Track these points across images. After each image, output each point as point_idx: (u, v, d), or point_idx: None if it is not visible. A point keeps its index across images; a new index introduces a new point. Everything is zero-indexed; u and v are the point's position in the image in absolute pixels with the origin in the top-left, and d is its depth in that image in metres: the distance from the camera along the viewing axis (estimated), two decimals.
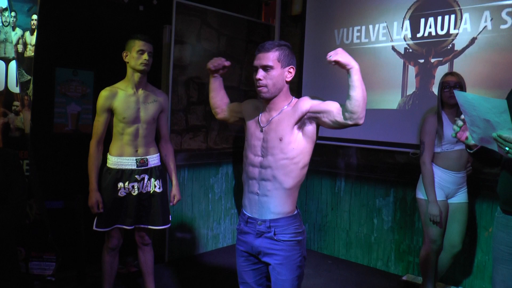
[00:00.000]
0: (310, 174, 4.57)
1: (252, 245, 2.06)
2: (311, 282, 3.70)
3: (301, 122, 1.96)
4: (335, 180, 4.43)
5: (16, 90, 2.70)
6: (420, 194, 3.18)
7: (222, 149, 4.46)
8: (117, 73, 3.90)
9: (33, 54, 2.63)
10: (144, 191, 2.89)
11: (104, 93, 2.79)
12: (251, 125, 2.10)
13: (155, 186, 2.92)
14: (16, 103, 2.73)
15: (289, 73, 1.99)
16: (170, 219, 3.06)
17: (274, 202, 2.00)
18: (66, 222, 3.47)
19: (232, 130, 4.55)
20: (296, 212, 2.06)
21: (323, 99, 1.96)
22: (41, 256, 2.94)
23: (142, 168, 2.87)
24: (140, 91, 2.88)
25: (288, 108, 1.99)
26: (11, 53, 2.70)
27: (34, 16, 2.62)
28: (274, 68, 1.94)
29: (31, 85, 2.65)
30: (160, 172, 2.97)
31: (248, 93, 4.60)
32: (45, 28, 3.03)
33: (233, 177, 4.59)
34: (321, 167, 4.52)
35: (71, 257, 3.44)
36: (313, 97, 1.98)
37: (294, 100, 2.03)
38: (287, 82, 2.00)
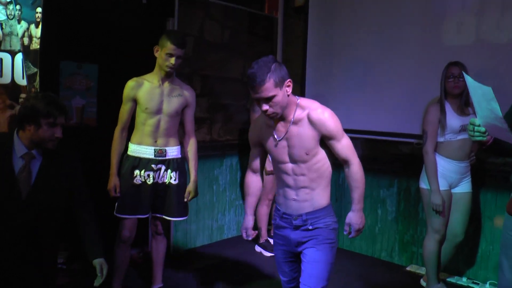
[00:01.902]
0: None
1: (289, 238, 2.20)
2: None
3: (320, 137, 2.10)
4: (339, 171, 4.43)
5: (23, 82, 2.74)
6: (423, 184, 3.19)
7: (226, 141, 4.49)
8: (121, 66, 3.92)
9: (38, 46, 2.65)
10: (160, 181, 2.94)
11: (130, 83, 2.88)
12: (270, 141, 2.18)
13: (171, 178, 2.96)
14: (22, 95, 2.77)
15: (288, 88, 2.03)
16: (188, 211, 3.10)
17: (311, 201, 2.15)
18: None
19: (236, 122, 4.57)
20: (329, 203, 2.22)
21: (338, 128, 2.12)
22: None
23: (160, 158, 2.92)
24: (166, 84, 2.93)
25: (301, 114, 2.08)
26: (16, 46, 2.73)
27: (39, 9, 2.65)
28: (276, 95, 1.98)
29: (38, 78, 2.68)
30: (178, 165, 3.00)
31: None
32: (49, 21, 3.05)
33: (237, 168, 4.62)
34: None
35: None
36: (330, 118, 2.09)
37: (300, 101, 2.11)
38: (289, 95, 2.05)
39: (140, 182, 2.89)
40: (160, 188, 2.95)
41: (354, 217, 2.19)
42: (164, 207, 2.98)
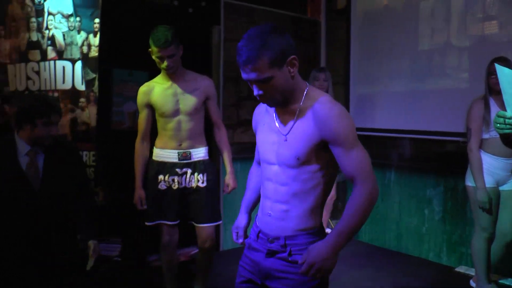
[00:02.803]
0: None
1: (260, 266, 1.67)
2: (361, 272, 3.75)
3: (322, 141, 1.54)
4: (384, 171, 4.45)
5: (82, 88, 2.94)
6: (469, 182, 3.18)
7: None
8: None
9: (96, 54, 2.85)
10: (188, 186, 2.78)
11: (141, 89, 2.77)
12: (261, 131, 1.71)
13: (198, 181, 2.78)
14: (82, 99, 2.97)
15: (292, 67, 1.53)
16: (221, 215, 2.91)
17: (289, 221, 1.61)
18: (128, 212, 3.68)
19: None
20: (318, 228, 1.64)
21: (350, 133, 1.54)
22: (108, 239, 3.14)
23: (185, 161, 2.76)
24: (178, 82, 2.74)
25: (306, 105, 1.56)
26: (76, 55, 2.94)
27: (97, 20, 2.85)
28: (273, 77, 1.49)
29: (96, 82, 2.88)
30: (205, 166, 2.80)
31: None
32: (104, 31, 3.25)
33: None
34: (371, 158, 4.54)
35: (132, 245, 3.65)
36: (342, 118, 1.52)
37: (309, 89, 1.60)
38: (293, 77, 1.55)
39: (165, 187, 2.75)
40: (187, 192, 2.79)
41: (319, 252, 1.51)
42: (193, 213, 2.80)
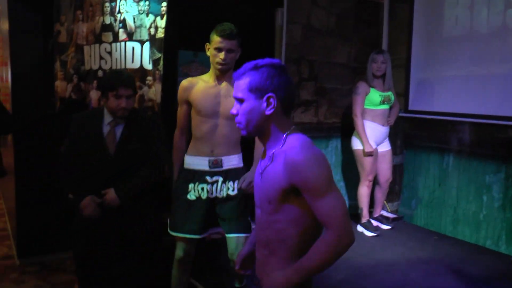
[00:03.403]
0: (417, 149, 4.60)
1: None
2: (416, 255, 3.77)
3: (292, 187, 1.48)
4: (443, 155, 4.40)
5: (149, 67, 3.16)
6: None
7: (332, 124, 4.67)
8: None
9: (162, 35, 3.06)
10: (220, 195, 2.63)
11: (183, 84, 2.66)
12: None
13: (228, 189, 2.63)
14: (149, 78, 3.19)
15: (268, 105, 1.52)
16: (250, 227, 2.68)
17: (268, 269, 1.60)
18: None
19: (341, 105, 4.72)
20: None
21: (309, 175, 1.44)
22: None
23: (216, 169, 2.61)
24: (224, 84, 2.60)
25: (280, 149, 1.52)
26: (145, 36, 3.16)
27: (164, 3, 3.05)
28: (243, 100, 1.54)
29: (161, 61, 3.09)
30: (237, 173, 2.65)
31: (357, 70, 4.74)
32: (171, 13, 3.44)
33: (341, 150, 4.78)
34: (429, 142, 4.52)
35: None
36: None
37: (292, 135, 1.55)
38: (269, 117, 1.53)
39: (194, 198, 2.62)
40: (218, 202, 2.65)
41: (273, 282, 1.53)
42: (222, 222, 2.67)
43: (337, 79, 4.66)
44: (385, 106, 4.14)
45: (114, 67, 3.37)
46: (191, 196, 2.61)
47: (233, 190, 2.63)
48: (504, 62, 3.86)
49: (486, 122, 4.01)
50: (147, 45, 3.17)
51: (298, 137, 1.53)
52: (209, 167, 2.59)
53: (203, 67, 4.31)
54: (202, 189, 2.59)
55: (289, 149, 1.48)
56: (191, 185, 2.61)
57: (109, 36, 3.38)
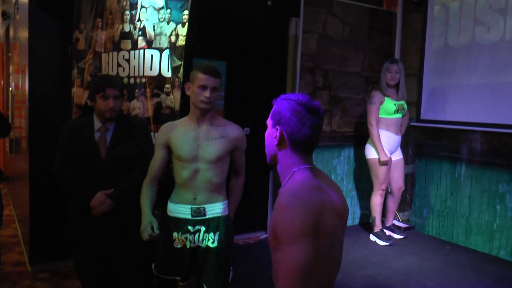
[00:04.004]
0: (429, 158, 4.62)
1: None
2: (428, 264, 3.78)
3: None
4: (455, 164, 4.42)
5: (168, 74, 3.16)
6: None
7: (345, 133, 4.69)
8: (248, 63, 4.30)
9: (183, 43, 3.08)
10: (201, 245, 2.49)
11: (163, 127, 2.57)
12: None
13: (208, 240, 2.48)
14: (167, 85, 3.20)
15: (277, 136, 1.55)
16: (230, 278, 2.55)
17: None
18: None
19: (353, 115, 4.74)
20: None
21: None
22: None
23: (198, 218, 2.47)
24: (204, 126, 2.48)
25: (280, 193, 1.53)
26: (164, 44, 3.18)
27: (186, 12, 3.07)
28: (267, 126, 1.61)
29: (182, 69, 3.10)
30: (219, 223, 2.51)
31: (370, 79, 4.77)
32: (192, 22, 3.48)
33: (354, 159, 4.79)
34: (440, 151, 4.54)
35: None
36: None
37: (296, 174, 1.54)
38: (280, 147, 1.57)
39: (180, 246, 2.49)
40: (199, 252, 2.50)
41: None
42: (202, 275, 2.52)
43: (350, 88, 4.69)
44: (399, 115, 4.17)
45: (132, 75, 3.39)
46: (177, 244, 2.49)
47: (213, 242, 2.48)
48: None
49: (498, 131, 4.03)
50: (166, 53, 3.19)
51: (299, 178, 1.50)
52: (192, 215, 2.46)
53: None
54: (186, 238, 2.47)
55: (284, 191, 1.47)
56: (175, 234, 2.49)
57: (128, 44, 3.40)
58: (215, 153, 2.43)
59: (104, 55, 3.57)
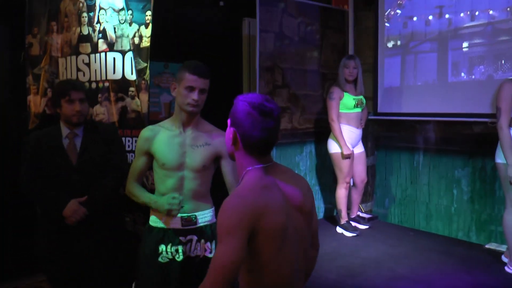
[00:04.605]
0: (389, 149, 4.78)
1: None
2: (396, 250, 3.89)
3: None
4: (413, 154, 4.60)
5: (132, 77, 3.09)
6: (499, 159, 3.31)
7: (306, 129, 4.76)
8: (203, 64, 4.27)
9: (148, 44, 3.02)
10: (193, 255, 2.32)
11: (143, 133, 2.34)
12: None
13: (205, 250, 2.33)
14: (131, 88, 3.12)
15: (232, 138, 1.59)
16: None
17: None
18: None
19: (313, 112, 4.82)
20: None
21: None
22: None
23: (189, 228, 2.31)
24: (190, 131, 2.31)
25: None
26: (126, 46, 3.10)
27: (148, 12, 3.01)
28: (227, 125, 1.63)
29: (148, 71, 3.04)
30: (213, 232, 2.35)
31: (326, 76, 4.87)
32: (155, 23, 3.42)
33: (316, 155, 4.87)
34: (399, 142, 4.71)
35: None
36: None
37: (247, 176, 1.58)
38: (233, 145, 1.60)
39: (167, 260, 2.28)
40: (193, 263, 2.32)
41: None
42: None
43: (308, 86, 4.76)
44: (358, 109, 4.28)
45: (93, 79, 3.30)
46: (163, 258, 2.28)
47: (210, 252, 2.33)
48: (467, 62, 4.10)
49: (451, 120, 4.24)
50: (129, 55, 3.12)
51: (249, 178, 1.55)
52: (182, 225, 2.29)
53: (174, 78, 4.29)
54: (177, 250, 2.27)
55: (233, 192, 1.53)
56: (162, 247, 2.28)
57: (87, 47, 3.31)
58: (201, 161, 2.28)
59: (61, 60, 3.45)
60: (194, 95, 2.20)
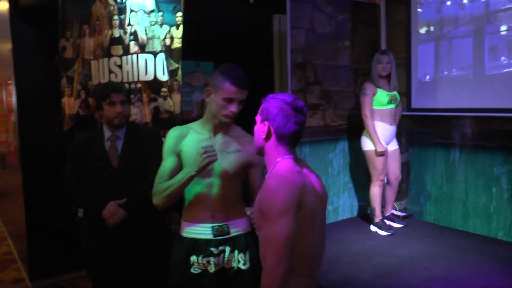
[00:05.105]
0: (423, 146, 4.67)
1: None
2: (432, 250, 3.80)
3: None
4: (449, 150, 4.47)
5: (164, 78, 3.11)
6: None
7: (339, 126, 4.70)
8: (234, 63, 4.26)
9: (179, 45, 3.03)
10: (227, 267, 2.18)
11: (172, 132, 2.21)
12: None
13: (239, 262, 2.18)
14: (164, 89, 3.14)
15: (265, 130, 1.73)
16: None
17: None
18: None
19: (346, 109, 4.76)
20: None
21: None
22: None
23: (221, 238, 2.16)
24: (220, 136, 2.19)
25: (266, 178, 1.71)
26: (158, 47, 3.11)
27: (179, 13, 3.02)
28: (256, 122, 1.80)
29: (179, 72, 3.05)
30: (247, 242, 2.20)
31: (358, 71, 4.79)
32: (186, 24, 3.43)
33: (349, 152, 4.81)
34: (433, 138, 4.59)
35: None
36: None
37: (280, 163, 1.71)
38: (266, 139, 1.75)
39: (200, 271, 2.15)
40: (227, 275, 2.18)
41: None
42: None
43: (340, 82, 4.70)
44: (392, 106, 4.19)
45: (125, 80, 3.33)
46: (195, 269, 2.15)
47: (244, 264, 2.17)
48: (509, 58, 3.95)
49: (489, 115, 4.09)
50: (160, 56, 3.13)
51: (283, 164, 1.68)
52: (213, 235, 2.15)
53: (206, 77, 4.31)
54: (209, 262, 2.14)
55: (269, 175, 1.67)
56: (193, 258, 2.15)
57: (119, 49, 3.33)
58: (232, 167, 2.14)
59: (93, 62, 3.50)
60: (233, 107, 2.08)
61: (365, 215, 4.86)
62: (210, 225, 2.14)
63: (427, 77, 4.57)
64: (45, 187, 3.84)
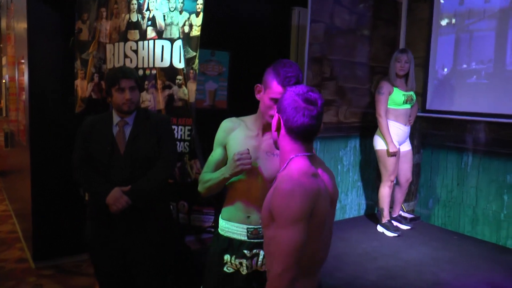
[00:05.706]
0: (435, 148, 4.61)
1: None
2: (439, 254, 3.77)
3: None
4: (461, 155, 4.41)
5: (180, 65, 3.06)
6: None
7: (351, 123, 4.65)
8: (250, 53, 4.21)
9: (198, 33, 2.98)
10: (262, 270, 2.11)
11: (224, 124, 2.16)
12: None
13: None
14: (179, 77, 3.09)
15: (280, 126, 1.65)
16: None
17: None
18: None
19: (360, 106, 4.70)
20: None
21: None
22: (201, 210, 3.28)
23: (255, 241, 2.08)
24: (267, 137, 2.08)
25: (278, 176, 1.66)
26: (176, 34, 3.06)
27: (200, 1, 2.96)
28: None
29: (197, 60, 3.00)
30: None
31: (376, 69, 4.73)
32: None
33: (360, 150, 4.76)
34: (446, 141, 4.52)
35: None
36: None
37: (294, 161, 1.62)
38: (279, 136, 1.68)
39: (233, 271, 2.12)
40: (260, 279, 2.10)
41: None
42: None
43: (356, 79, 4.64)
44: (408, 106, 4.13)
45: (140, 66, 3.28)
46: (228, 268, 2.12)
47: None
48: None
49: (506, 121, 4.02)
50: (177, 44, 3.08)
51: (298, 165, 1.58)
52: (248, 237, 2.09)
53: (220, 66, 4.26)
54: (241, 263, 2.09)
55: (283, 176, 1.58)
56: (227, 257, 2.12)
57: (135, 34, 3.28)
58: (273, 171, 2.00)
59: (109, 46, 3.45)
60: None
61: (372, 215, 4.83)
62: (245, 226, 2.09)
63: (445, 78, 4.50)
64: (53, 168, 3.82)
